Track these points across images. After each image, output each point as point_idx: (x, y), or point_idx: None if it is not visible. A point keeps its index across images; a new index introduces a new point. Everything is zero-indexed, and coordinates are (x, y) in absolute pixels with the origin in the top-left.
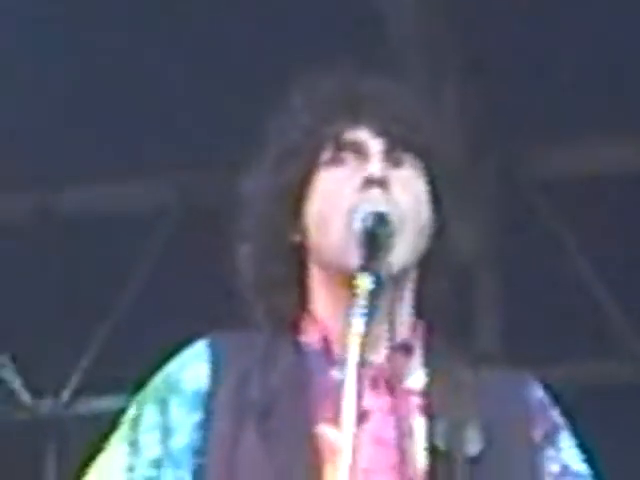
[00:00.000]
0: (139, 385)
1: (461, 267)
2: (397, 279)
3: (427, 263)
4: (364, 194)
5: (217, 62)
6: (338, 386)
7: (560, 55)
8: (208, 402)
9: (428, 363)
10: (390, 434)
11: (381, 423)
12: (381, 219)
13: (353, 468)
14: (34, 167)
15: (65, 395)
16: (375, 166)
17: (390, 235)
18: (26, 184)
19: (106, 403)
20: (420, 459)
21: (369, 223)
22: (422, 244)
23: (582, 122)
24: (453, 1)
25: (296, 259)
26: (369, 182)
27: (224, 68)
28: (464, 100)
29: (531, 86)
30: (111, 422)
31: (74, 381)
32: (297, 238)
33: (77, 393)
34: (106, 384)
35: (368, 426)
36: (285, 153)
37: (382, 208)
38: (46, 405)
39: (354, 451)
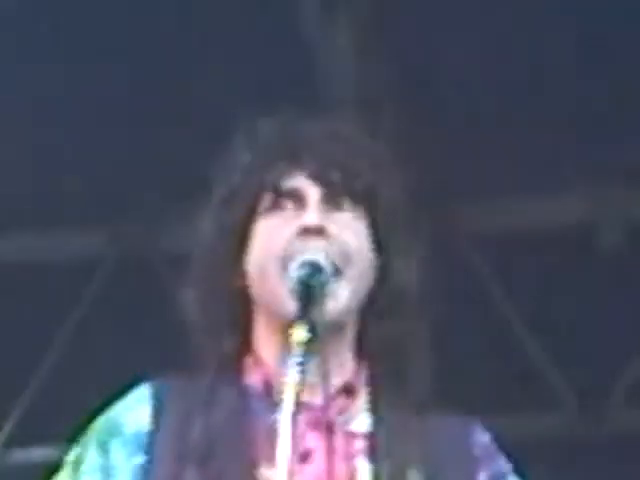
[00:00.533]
0: (81, 429)
1: (404, 309)
2: (337, 323)
3: (370, 305)
4: (300, 243)
5: (153, 110)
6: (277, 430)
7: (493, 109)
8: (149, 445)
9: (373, 405)
10: (331, 475)
11: (323, 464)
12: (314, 268)
13: None
14: None
15: None
16: (312, 215)
17: (324, 284)
18: None
19: (38, 454)
20: None
21: (302, 273)
22: (365, 287)
23: (511, 179)
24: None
25: (240, 302)
26: (306, 231)
27: (162, 111)
28: (395, 149)
29: (461, 141)
30: (44, 473)
31: (5, 432)
32: (239, 283)
33: (8, 444)
34: (38, 435)
35: (310, 467)
36: (226, 198)
37: (316, 257)
38: None
39: None
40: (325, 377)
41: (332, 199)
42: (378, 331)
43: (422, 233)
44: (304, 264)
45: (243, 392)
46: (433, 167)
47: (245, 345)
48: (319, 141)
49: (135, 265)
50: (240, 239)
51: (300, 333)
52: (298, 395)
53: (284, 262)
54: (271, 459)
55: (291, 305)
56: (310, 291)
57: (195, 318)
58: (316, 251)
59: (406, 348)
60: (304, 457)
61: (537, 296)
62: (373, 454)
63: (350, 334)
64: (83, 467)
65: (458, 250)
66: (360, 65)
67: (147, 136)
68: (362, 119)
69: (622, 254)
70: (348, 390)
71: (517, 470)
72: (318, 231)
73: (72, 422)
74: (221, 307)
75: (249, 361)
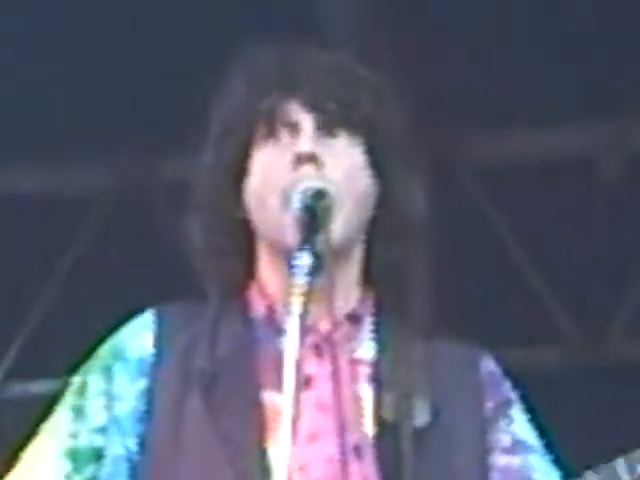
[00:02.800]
0: (86, 356)
1: (405, 235)
2: (339, 252)
3: (373, 231)
4: (296, 172)
5: (152, 45)
6: (282, 355)
7: (500, 40)
8: (153, 370)
9: (378, 334)
10: (332, 400)
11: (324, 389)
12: (318, 194)
13: (295, 433)
14: None
15: None
16: (304, 143)
17: (328, 210)
18: None
19: (38, 387)
20: (367, 427)
21: (306, 200)
22: (363, 214)
23: (514, 108)
24: None
25: (243, 232)
26: (299, 159)
27: (159, 52)
28: (398, 80)
29: (468, 69)
30: (45, 405)
31: (5, 365)
32: (240, 214)
33: (8, 377)
34: (38, 368)
35: (311, 392)
36: (223, 130)
37: (317, 184)
38: None
39: (296, 417)
40: (330, 303)
41: (326, 127)
42: (381, 257)
43: (421, 164)
44: (307, 190)
45: (247, 320)
46: (433, 97)
47: (249, 273)
48: (315, 70)
49: (135, 200)
50: (238, 170)
51: (304, 259)
52: (302, 320)
53: (282, 193)
54: (276, 385)
55: (294, 236)
56: (314, 217)
57: (198, 246)
58: (310, 180)
59: (408, 274)
60: (305, 383)
61: (537, 227)
62: (377, 382)
63: (355, 262)
64: (87, 392)
65: (457, 180)
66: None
67: (146, 70)
68: (358, 45)
69: (622, 185)
70: (353, 318)
71: (522, 397)
72: (310, 158)
73: (71, 356)
74: (225, 236)
75: (253, 289)
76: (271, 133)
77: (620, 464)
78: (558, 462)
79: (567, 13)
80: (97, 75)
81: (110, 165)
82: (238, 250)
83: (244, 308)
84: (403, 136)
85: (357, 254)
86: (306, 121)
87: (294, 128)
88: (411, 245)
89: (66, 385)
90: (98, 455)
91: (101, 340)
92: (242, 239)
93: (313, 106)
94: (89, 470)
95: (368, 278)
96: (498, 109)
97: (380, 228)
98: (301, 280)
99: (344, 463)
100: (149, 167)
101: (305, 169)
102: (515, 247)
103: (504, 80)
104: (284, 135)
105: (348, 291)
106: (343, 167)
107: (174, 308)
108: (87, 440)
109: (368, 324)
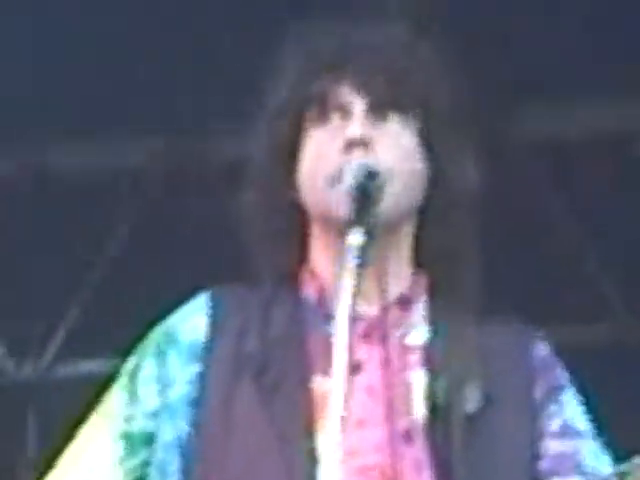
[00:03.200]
0: (139, 339)
1: (459, 214)
2: (389, 231)
3: (424, 212)
4: (347, 156)
5: (198, 27)
6: (332, 340)
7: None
8: (206, 354)
9: (431, 317)
10: (382, 386)
11: (374, 375)
12: (371, 173)
13: (344, 419)
14: (10, 126)
15: (46, 359)
16: (355, 127)
17: (380, 189)
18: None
19: (86, 367)
20: (417, 412)
21: (360, 178)
22: (413, 195)
23: (568, 82)
24: None
25: (296, 214)
26: (350, 144)
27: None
28: (450, 52)
29: (523, 44)
30: (96, 385)
31: (55, 345)
32: (294, 196)
33: (58, 357)
34: (87, 348)
35: (361, 377)
36: (275, 112)
37: (370, 162)
38: (27, 369)
39: (345, 402)
40: (381, 285)
41: (377, 109)
42: (433, 238)
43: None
44: (360, 168)
45: (299, 303)
46: (482, 72)
47: (301, 258)
48: (366, 50)
49: (186, 176)
50: (290, 153)
51: (356, 237)
52: (353, 303)
53: (332, 179)
54: (326, 370)
55: (344, 209)
56: (367, 196)
57: (253, 228)
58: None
59: (460, 255)
60: (354, 368)
61: (587, 203)
62: (429, 367)
63: (405, 244)
64: (140, 377)
65: (508, 155)
66: None
67: (199, 43)
68: (409, 21)
69: None
70: (404, 301)
71: (573, 380)
72: (361, 143)
73: (120, 336)
74: (278, 218)
75: (305, 274)
76: (323, 116)
77: None
78: (609, 446)
79: None
80: (149, 48)
81: (161, 141)
82: (290, 232)
83: (296, 292)
84: (455, 112)
85: (408, 236)
86: (357, 104)
87: (345, 111)
88: (463, 226)
89: (120, 367)
90: (150, 440)
91: (157, 320)
92: (295, 222)
93: (362, 88)
94: (142, 454)
95: (420, 262)
96: (550, 81)
97: (432, 209)
98: (352, 260)
99: (395, 449)
100: (202, 143)
101: (356, 154)
102: (567, 225)
103: (551, 54)
104: (335, 118)
105: (399, 274)
106: (395, 150)
107: (228, 291)
108: (141, 424)
109: (419, 308)
